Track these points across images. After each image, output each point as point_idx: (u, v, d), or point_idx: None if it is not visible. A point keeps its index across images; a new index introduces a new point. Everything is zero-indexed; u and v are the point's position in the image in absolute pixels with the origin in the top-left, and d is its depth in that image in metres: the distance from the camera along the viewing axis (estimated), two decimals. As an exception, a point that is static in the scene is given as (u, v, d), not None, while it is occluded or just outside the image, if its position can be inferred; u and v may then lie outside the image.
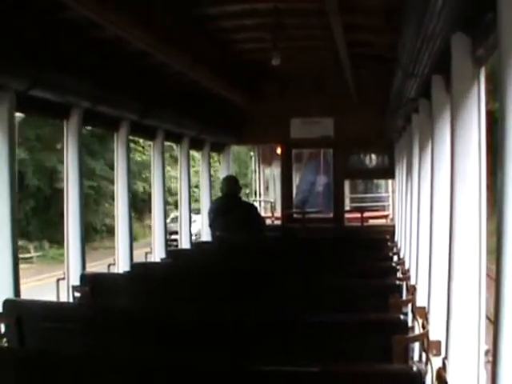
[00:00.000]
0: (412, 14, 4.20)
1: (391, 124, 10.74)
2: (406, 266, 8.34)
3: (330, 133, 13.43)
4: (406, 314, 5.84)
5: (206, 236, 11.69)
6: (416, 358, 5.99)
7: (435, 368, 4.25)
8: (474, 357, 3.92)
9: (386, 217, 18.86)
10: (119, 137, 8.55)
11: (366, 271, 6.90)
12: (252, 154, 26.28)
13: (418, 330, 5.58)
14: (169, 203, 32.22)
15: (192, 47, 8.65)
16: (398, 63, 5.84)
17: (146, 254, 9.48)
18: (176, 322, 4.93)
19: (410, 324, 5.74)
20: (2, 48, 5.33)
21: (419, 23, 3.93)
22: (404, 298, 6.45)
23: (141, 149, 33.61)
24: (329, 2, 6.90)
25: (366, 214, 17.10)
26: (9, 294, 5.48)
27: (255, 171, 24.32)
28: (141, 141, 27.12)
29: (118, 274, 7.71)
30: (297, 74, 12.30)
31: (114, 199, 8.89)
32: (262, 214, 18.33)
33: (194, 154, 17.93)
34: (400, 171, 11.76)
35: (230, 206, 10.33)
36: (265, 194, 24.07)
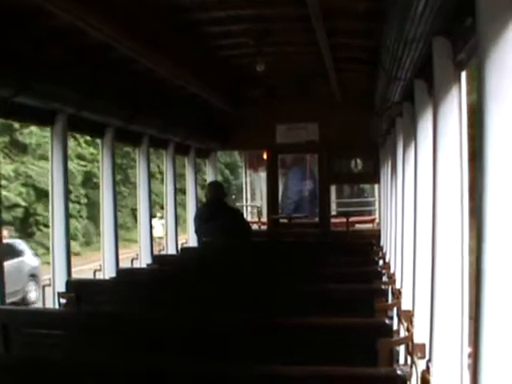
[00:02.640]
0: (393, 18, 4.23)
1: (376, 128, 10.78)
2: (392, 270, 8.36)
3: (315, 137, 13.46)
4: (391, 318, 5.88)
5: (192, 241, 11.69)
6: (402, 361, 6.01)
7: (420, 371, 4.28)
8: (457, 359, 3.95)
9: (372, 221, 18.89)
10: (104, 143, 8.55)
11: (352, 276, 6.92)
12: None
13: (403, 334, 5.61)
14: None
15: (177, 53, 8.66)
16: (382, 67, 5.87)
17: (132, 259, 9.47)
18: (162, 327, 4.93)
19: (395, 327, 5.77)
20: None
21: (400, 27, 3.95)
22: (390, 301, 6.48)
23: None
24: (312, 7, 6.93)
25: (352, 219, 17.11)
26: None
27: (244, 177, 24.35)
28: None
29: (103, 280, 7.69)
30: (282, 79, 12.32)
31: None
32: (249, 219, 18.37)
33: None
34: (385, 175, 11.80)
35: (216, 212, 10.34)
36: (252, 199, 24.08)
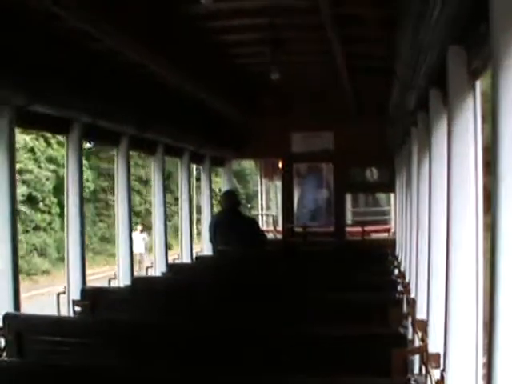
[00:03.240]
0: (408, 27, 4.22)
1: (391, 137, 10.76)
2: (407, 280, 8.33)
3: (330, 146, 13.45)
4: (405, 328, 5.86)
5: (207, 250, 11.70)
6: (416, 371, 5.98)
7: (434, 381, 4.26)
8: (472, 369, 3.92)
9: (387, 230, 18.83)
10: (119, 151, 8.57)
11: (367, 285, 6.90)
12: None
13: (417, 343, 5.58)
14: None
15: (192, 61, 8.69)
16: (396, 76, 5.87)
17: (147, 268, 9.48)
18: (177, 336, 4.94)
19: (410, 337, 5.75)
20: (1, 63, 5.35)
21: (415, 35, 3.95)
22: (404, 311, 6.46)
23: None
24: (324, 15, 6.94)
25: (368, 228, 17.08)
26: (9, 307, 5.49)
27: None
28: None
29: (118, 288, 7.70)
30: (296, 87, 12.33)
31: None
32: (264, 228, 18.35)
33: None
34: (400, 185, 11.77)
35: (231, 221, 10.34)
36: (267, 207, 24.07)
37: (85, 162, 32.01)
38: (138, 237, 25.60)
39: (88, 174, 33.58)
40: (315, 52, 9.91)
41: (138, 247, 24.71)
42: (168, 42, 7.67)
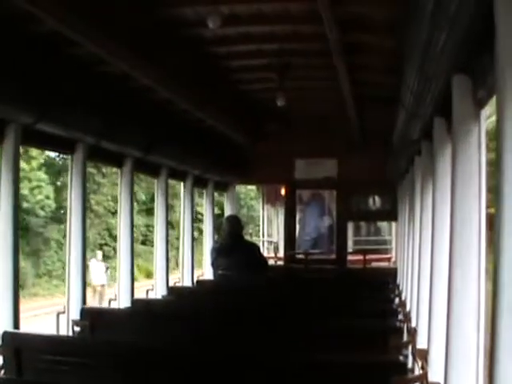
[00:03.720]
0: (414, 55, 4.24)
1: (394, 166, 10.77)
2: (407, 308, 8.31)
3: (333, 174, 13.47)
4: (406, 356, 5.84)
5: (208, 274, 11.68)
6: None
7: (434, 410, 4.24)
8: (472, 399, 3.90)
9: (388, 259, 18.81)
10: (123, 173, 8.59)
11: (367, 312, 6.89)
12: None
13: (417, 372, 5.56)
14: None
15: (198, 85, 8.73)
16: (401, 104, 5.89)
17: (147, 290, 9.46)
18: (177, 359, 4.92)
19: (410, 366, 5.73)
20: (8, 82, 5.39)
21: (421, 64, 3.97)
22: (405, 339, 6.43)
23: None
24: (333, 43, 6.98)
25: (369, 257, 17.03)
26: (8, 325, 5.49)
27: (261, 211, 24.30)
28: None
29: (118, 310, 7.69)
30: (301, 113, 12.37)
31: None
32: (266, 254, 18.32)
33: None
34: (402, 213, 11.76)
35: (232, 245, 10.32)
36: (268, 234, 24.05)
37: (44, 175, 30.39)
38: (98, 266, 22.71)
39: (48, 190, 31.12)
40: (321, 78, 9.95)
41: (99, 277, 22.10)
42: (175, 65, 7.71)
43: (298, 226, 19.76)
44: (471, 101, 3.81)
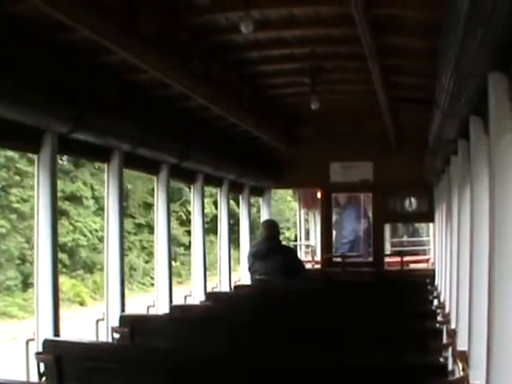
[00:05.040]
0: (448, 55, 4.21)
1: (430, 166, 10.69)
2: (447, 310, 8.24)
3: (369, 176, 13.42)
4: (446, 358, 5.79)
5: (246, 279, 11.69)
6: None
7: (475, 412, 4.20)
8: (515, 400, 3.85)
9: (426, 261, 18.67)
10: (159, 180, 8.63)
11: (406, 315, 6.86)
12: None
13: (458, 375, 5.51)
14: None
15: (231, 91, 8.76)
16: (436, 104, 5.84)
17: (186, 296, 9.50)
18: (214, 364, 4.93)
19: (450, 368, 5.68)
20: (44, 92, 5.45)
21: (456, 63, 3.93)
22: (444, 341, 6.38)
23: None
24: (367, 46, 6.96)
25: (407, 258, 16.95)
26: (49, 333, 5.54)
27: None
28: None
29: (156, 316, 7.72)
30: (335, 117, 12.35)
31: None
32: (303, 258, 18.29)
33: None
34: (440, 214, 11.67)
35: (269, 250, 10.32)
36: (306, 238, 24.01)
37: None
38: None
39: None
40: (354, 81, 9.94)
41: None
42: (207, 72, 7.75)
43: (334, 229, 19.75)
44: (507, 98, 3.77)
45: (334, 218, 19.64)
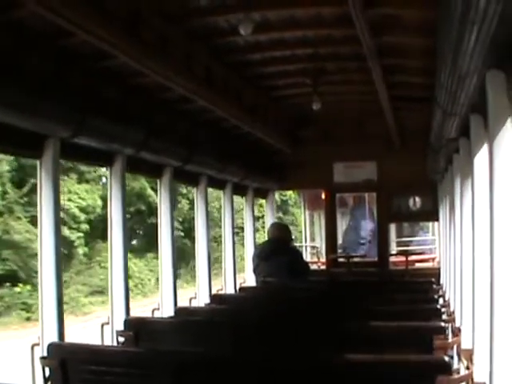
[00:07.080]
0: (446, 53, 4.21)
1: (433, 165, 10.69)
2: (451, 309, 8.24)
3: (373, 176, 13.41)
4: (451, 356, 5.79)
5: (250, 281, 11.69)
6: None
7: (480, 409, 4.20)
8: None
9: (432, 260, 18.65)
10: (162, 183, 8.64)
11: (411, 313, 6.85)
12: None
13: (463, 372, 5.51)
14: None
15: (234, 93, 8.76)
16: (437, 103, 5.85)
17: (190, 299, 9.50)
18: (219, 367, 4.93)
19: (455, 366, 5.69)
20: (46, 96, 5.46)
21: (454, 62, 3.94)
22: (449, 339, 6.39)
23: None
24: (366, 46, 6.97)
25: (412, 258, 16.94)
26: (53, 337, 5.55)
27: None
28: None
29: (161, 319, 7.73)
30: (338, 117, 12.35)
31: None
32: (308, 259, 18.30)
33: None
34: (443, 213, 11.67)
35: (274, 251, 10.32)
36: (311, 239, 24.00)
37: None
38: None
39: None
40: (356, 81, 9.95)
41: None
42: (209, 74, 7.76)
43: (344, 230, 19.79)
44: (506, 96, 3.77)
45: (347, 218, 19.67)
